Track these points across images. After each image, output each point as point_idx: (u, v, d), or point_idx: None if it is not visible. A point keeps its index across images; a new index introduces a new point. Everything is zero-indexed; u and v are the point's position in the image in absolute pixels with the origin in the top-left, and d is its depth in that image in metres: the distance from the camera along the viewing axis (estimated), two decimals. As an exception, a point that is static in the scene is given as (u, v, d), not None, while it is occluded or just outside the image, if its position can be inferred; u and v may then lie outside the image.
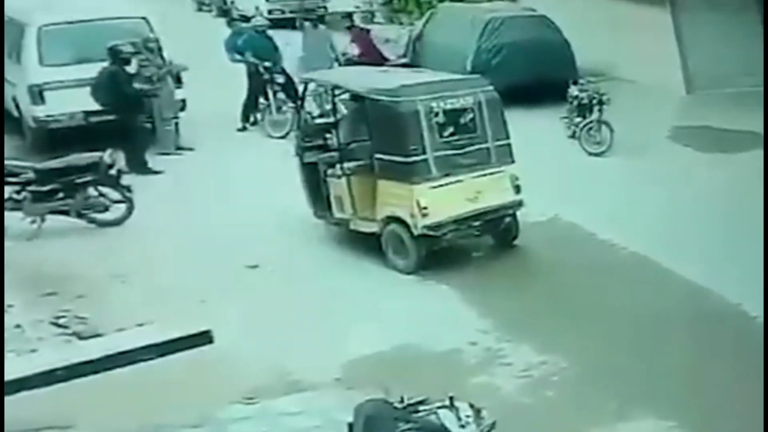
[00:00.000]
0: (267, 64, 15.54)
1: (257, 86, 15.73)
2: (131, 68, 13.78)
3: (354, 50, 17.57)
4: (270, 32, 16.69)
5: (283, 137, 14.96)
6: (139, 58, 14.14)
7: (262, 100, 15.73)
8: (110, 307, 9.28)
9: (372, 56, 17.38)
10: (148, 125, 14.45)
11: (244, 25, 17.45)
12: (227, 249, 10.77)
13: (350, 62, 16.97)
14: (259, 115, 15.84)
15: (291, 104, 15.23)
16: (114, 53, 13.57)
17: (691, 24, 18.03)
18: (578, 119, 14.80)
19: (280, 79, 15.64)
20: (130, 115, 13.60)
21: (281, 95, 15.60)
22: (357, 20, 18.46)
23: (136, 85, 13.80)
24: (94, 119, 13.76)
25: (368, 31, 18.70)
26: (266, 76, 15.57)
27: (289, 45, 16.99)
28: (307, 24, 18.07)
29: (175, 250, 10.73)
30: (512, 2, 22.04)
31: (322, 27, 17.54)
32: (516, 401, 7.91)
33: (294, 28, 20.84)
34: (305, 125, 11.74)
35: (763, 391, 7.61)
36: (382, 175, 10.53)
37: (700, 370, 8.32)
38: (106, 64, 13.53)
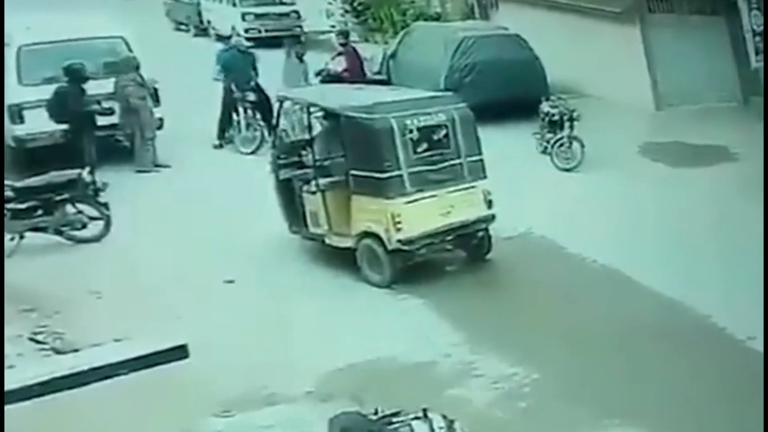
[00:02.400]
0: (237, 81, 15.65)
1: (230, 103, 15.82)
2: (89, 87, 13.79)
3: (339, 66, 17.64)
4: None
5: (252, 153, 15.12)
6: (121, 78, 14.24)
7: (234, 116, 15.84)
8: (87, 322, 9.30)
9: (355, 73, 17.42)
10: (127, 143, 14.55)
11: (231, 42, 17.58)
12: (203, 264, 10.84)
13: (333, 78, 17.07)
14: (233, 131, 15.96)
15: (262, 122, 15.36)
16: (69, 72, 13.63)
17: (660, 41, 18.27)
18: (549, 135, 14.90)
19: (251, 97, 15.71)
20: (81, 132, 13.62)
21: (252, 112, 15.69)
22: (342, 39, 18.50)
23: (108, 104, 13.87)
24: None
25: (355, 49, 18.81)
26: (237, 94, 15.69)
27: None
28: (289, 56, 18.07)
29: (152, 266, 10.76)
30: (485, 21, 22.31)
31: (303, 62, 17.53)
32: (489, 412, 7.99)
33: (270, 47, 20.94)
34: (280, 143, 11.83)
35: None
36: (357, 191, 10.62)
37: (670, 379, 8.45)
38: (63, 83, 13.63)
